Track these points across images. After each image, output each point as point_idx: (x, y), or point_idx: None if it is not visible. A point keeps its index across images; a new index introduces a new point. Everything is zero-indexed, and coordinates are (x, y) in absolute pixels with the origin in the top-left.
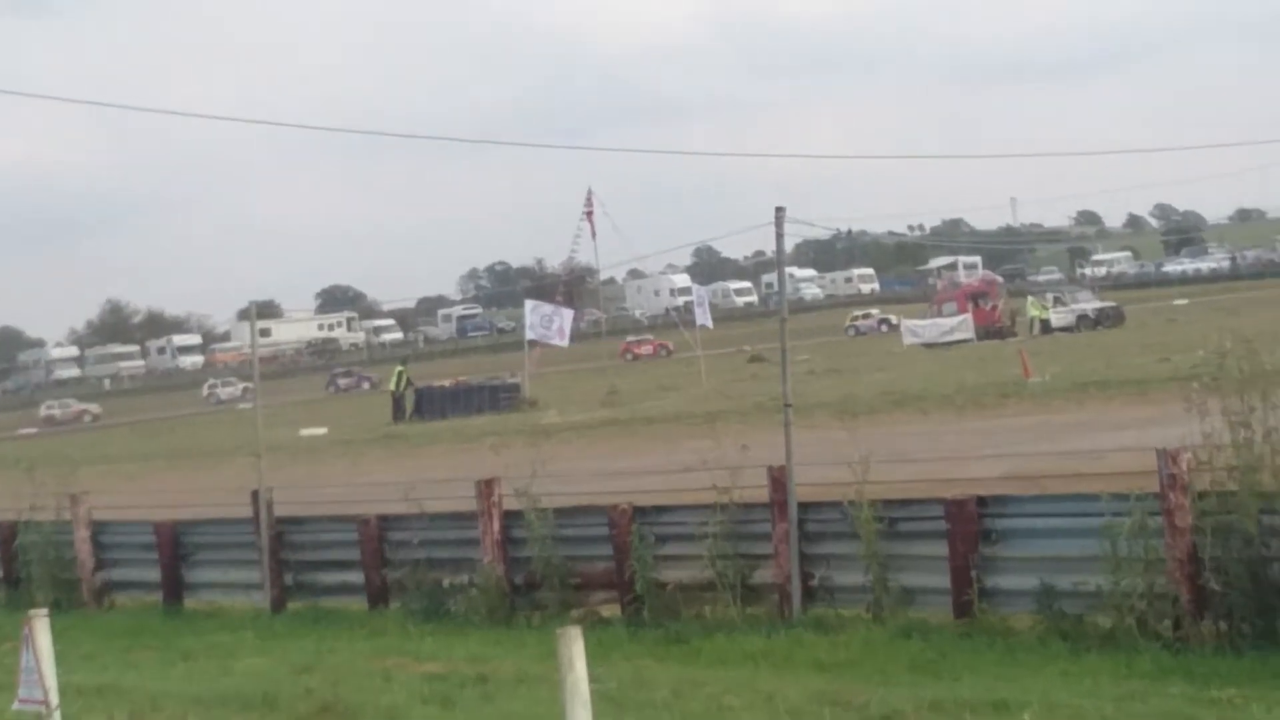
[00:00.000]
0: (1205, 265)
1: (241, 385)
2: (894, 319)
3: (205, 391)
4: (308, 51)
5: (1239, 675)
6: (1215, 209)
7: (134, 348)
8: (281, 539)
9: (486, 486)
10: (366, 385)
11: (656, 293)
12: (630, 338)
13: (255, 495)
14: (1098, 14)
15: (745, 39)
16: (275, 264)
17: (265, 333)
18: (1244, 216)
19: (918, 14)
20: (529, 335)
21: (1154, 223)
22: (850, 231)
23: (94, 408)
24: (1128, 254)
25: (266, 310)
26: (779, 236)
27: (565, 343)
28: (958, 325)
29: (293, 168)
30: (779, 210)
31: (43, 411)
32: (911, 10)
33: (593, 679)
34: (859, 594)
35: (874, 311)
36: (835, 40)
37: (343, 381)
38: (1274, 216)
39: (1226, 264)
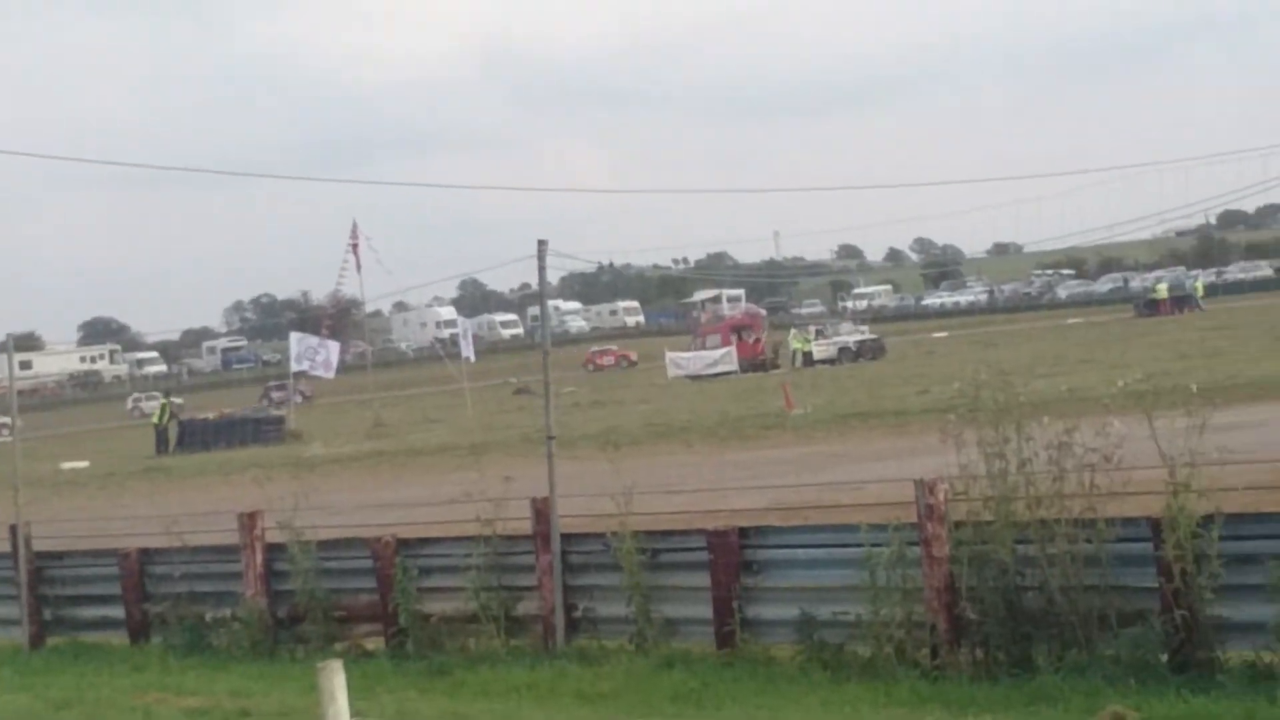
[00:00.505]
0: (964, 298)
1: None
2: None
3: None
4: (82, 81)
5: (995, 702)
6: (974, 243)
7: None
8: (40, 574)
9: (249, 519)
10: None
11: (423, 325)
12: (594, 348)
13: (13, 530)
14: (864, 50)
15: (512, 73)
16: (38, 296)
17: (25, 365)
18: (1001, 250)
19: (686, 50)
20: (295, 367)
21: (914, 256)
22: (612, 264)
23: None
24: (888, 287)
25: (26, 342)
26: (541, 269)
27: (331, 374)
28: (721, 358)
29: (59, 202)
30: (541, 243)
31: None
32: (680, 46)
33: (355, 713)
34: (623, 625)
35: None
36: (602, 75)
37: (276, 395)
38: (1031, 251)
39: (984, 297)
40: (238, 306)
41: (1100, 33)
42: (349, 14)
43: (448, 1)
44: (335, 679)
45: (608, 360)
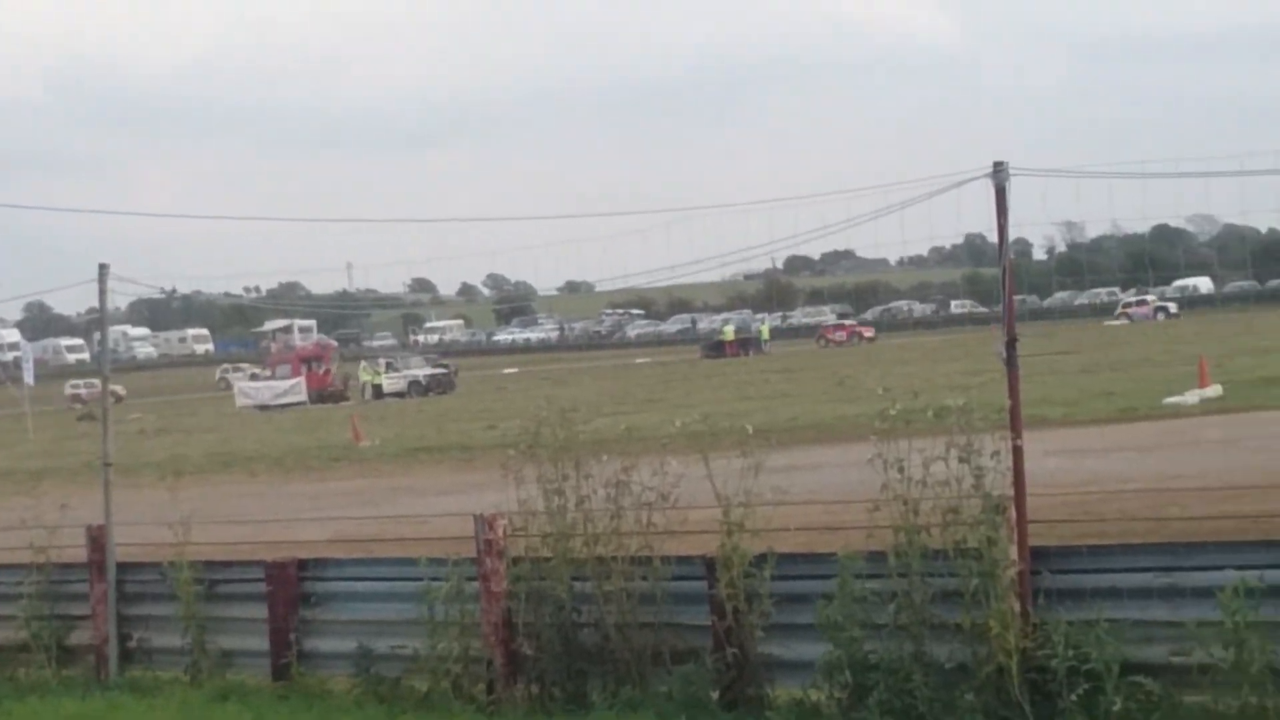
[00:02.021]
0: (535, 335)
1: None
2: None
3: None
4: None
5: None
6: (546, 280)
7: None
8: None
9: None
10: None
11: None
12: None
13: None
14: (443, 87)
15: (82, 94)
16: None
17: None
18: (573, 288)
19: (262, 80)
20: None
21: (487, 292)
22: (175, 290)
23: None
24: (460, 322)
25: None
26: (102, 293)
27: None
28: (291, 388)
29: None
30: (103, 267)
31: None
32: (255, 76)
33: None
34: (178, 656)
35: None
36: (178, 100)
37: None
38: (602, 289)
39: (555, 334)
40: None
41: (680, 75)
42: None
43: (8, 19)
44: None
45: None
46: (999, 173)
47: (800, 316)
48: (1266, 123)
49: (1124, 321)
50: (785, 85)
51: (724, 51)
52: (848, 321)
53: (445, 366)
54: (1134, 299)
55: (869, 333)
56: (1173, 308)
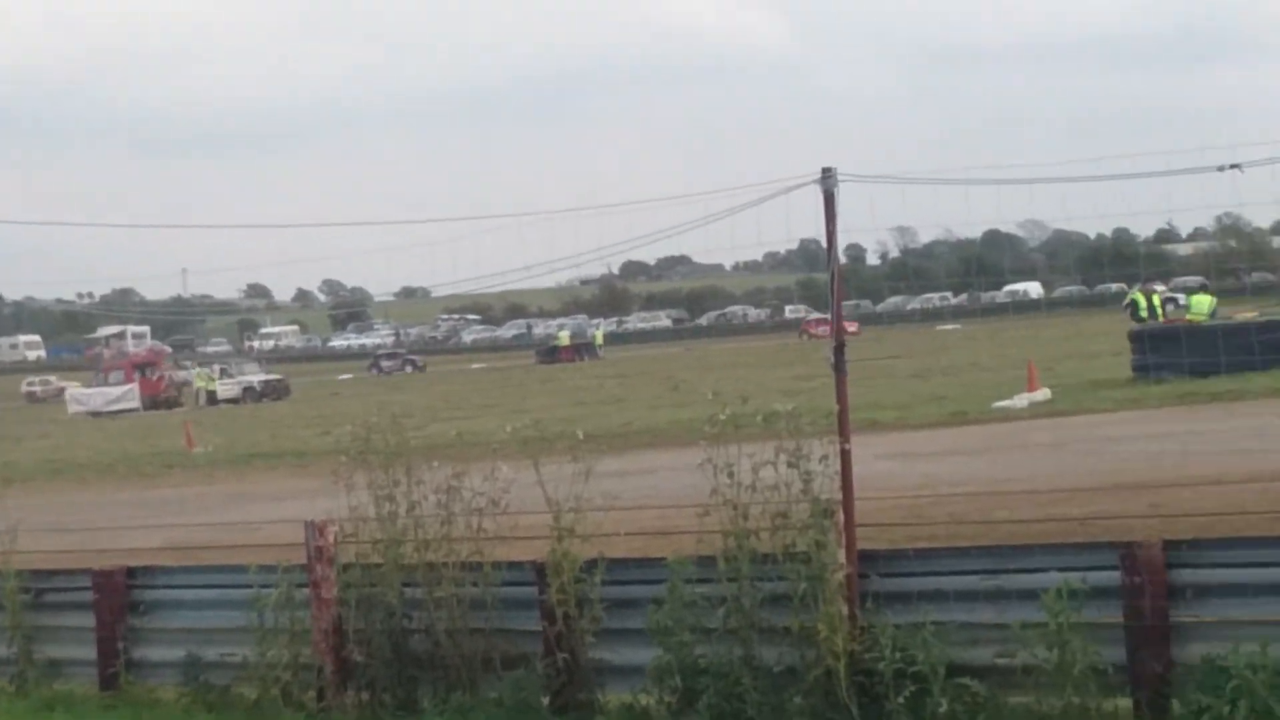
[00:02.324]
0: (370, 341)
1: None
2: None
3: None
4: None
5: None
6: (382, 285)
7: None
8: None
9: None
10: None
11: None
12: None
13: None
14: (278, 92)
15: None
16: None
17: None
18: (409, 294)
19: (92, 83)
20: None
21: (322, 298)
22: (2, 297)
23: None
24: (295, 328)
25: None
26: None
27: None
28: (124, 394)
29: None
30: None
31: None
32: (85, 79)
33: None
34: (3, 666)
35: None
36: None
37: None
38: (438, 295)
39: (391, 339)
40: None
41: (516, 80)
42: None
43: None
44: None
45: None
46: (827, 178)
47: (636, 322)
48: (1093, 129)
49: (955, 326)
50: (619, 91)
51: (558, 57)
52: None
53: (276, 376)
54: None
55: (853, 328)
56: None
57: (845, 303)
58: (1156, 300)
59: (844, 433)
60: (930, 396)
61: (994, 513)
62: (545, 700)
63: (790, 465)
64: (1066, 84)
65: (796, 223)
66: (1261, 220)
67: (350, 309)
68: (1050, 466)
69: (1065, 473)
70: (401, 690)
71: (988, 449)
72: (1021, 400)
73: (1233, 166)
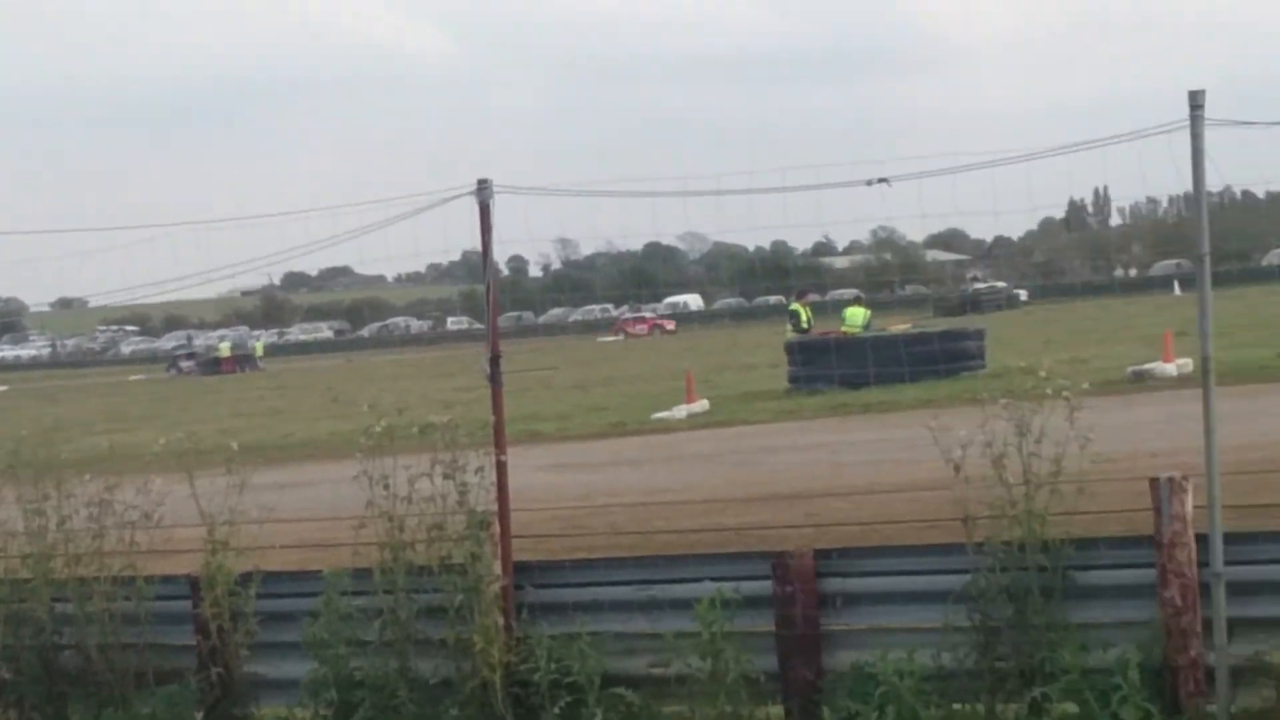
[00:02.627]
0: (26, 352)
1: None
2: None
3: None
4: None
5: None
6: (37, 295)
7: None
8: None
9: None
10: None
11: None
12: None
13: None
14: None
15: None
16: None
17: None
18: (65, 304)
19: None
20: None
21: None
22: None
23: None
24: None
25: None
26: None
27: None
28: None
29: None
30: None
31: None
32: None
33: None
34: None
35: None
36: None
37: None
38: (95, 305)
39: (48, 351)
40: None
41: (184, 88)
42: None
43: None
44: None
45: None
46: (483, 190)
47: (297, 333)
48: (751, 143)
49: (619, 338)
50: (285, 100)
51: (226, 65)
52: (647, 315)
53: None
54: (631, 315)
55: (670, 325)
56: (670, 325)
57: (508, 315)
58: (810, 312)
59: (500, 444)
60: (591, 407)
61: (652, 523)
62: (199, 715)
63: (446, 477)
64: (726, 99)
65: (455, 234)
66: (916, 234)
67: (4, 319)
68: (707, 477)
69: (722, 483)
70: (51, 708)
71: (647, 460)
72: (680, 411)
73: (881, 180)
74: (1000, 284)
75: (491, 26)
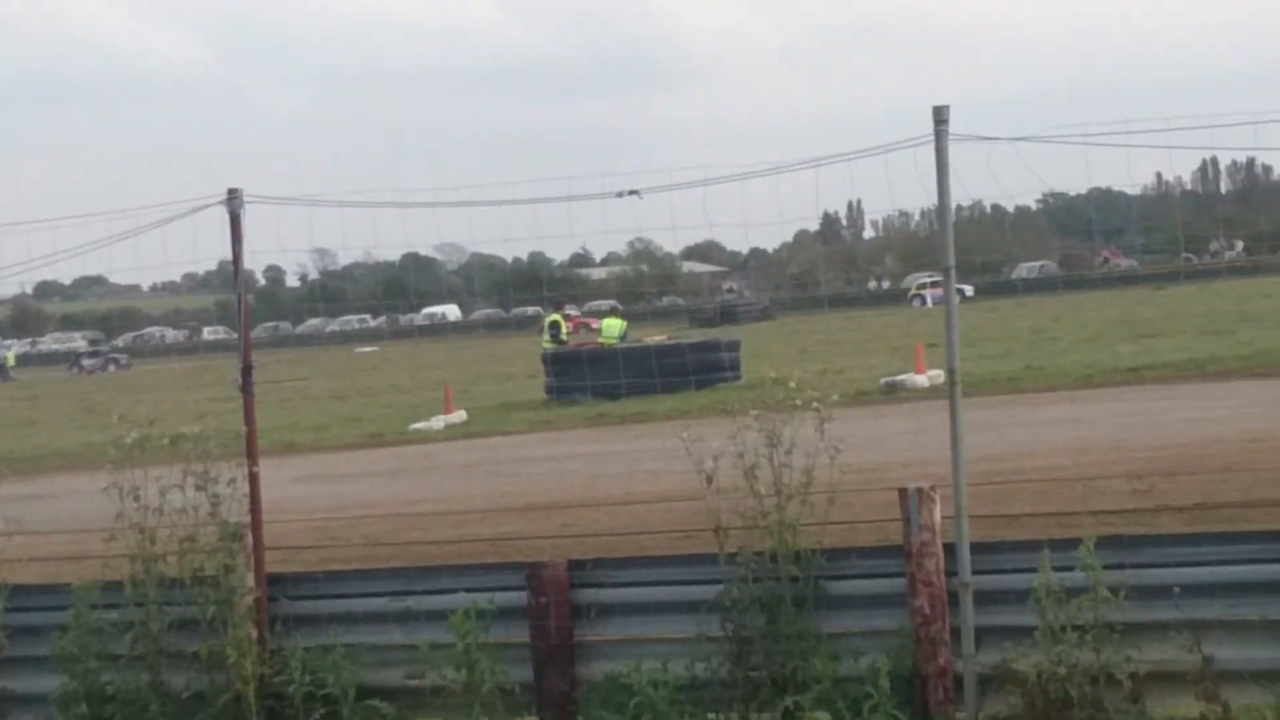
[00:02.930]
0: None
1: None
2: None
3: None
4: None
5: None
6: None
7: None
8: None
9: None
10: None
11: None
12: None
13: None
14: None
15: None
16: None
17: None
18: None
19: None
20: None
21: None
22: None
23: None
24: None
25: None
26: None
27: None
28: None
29: None
30: None
31: None
32: None
33: None
34: None
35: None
36: None
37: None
38: None
39: None
40: None
41: None
42: None
43: None
44: None
45: None
46: (233, 200)
47: (50, 343)
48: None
49: (373, 349)
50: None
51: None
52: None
53: None
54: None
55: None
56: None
57: (264, 325)
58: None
59: (252, 455)
60: (347, 418)
61: (408, 534)
62: None
63: (198, 488)
64: (488, 111)
65: (207, 244)
66: (673, 246)
67: None
68: (464, 488)
69: (478, 494)
70: None
71: (403, 470)
72: (438, 422)
73: (631, 193)
74: (749, 295)
75: (250, 37)
